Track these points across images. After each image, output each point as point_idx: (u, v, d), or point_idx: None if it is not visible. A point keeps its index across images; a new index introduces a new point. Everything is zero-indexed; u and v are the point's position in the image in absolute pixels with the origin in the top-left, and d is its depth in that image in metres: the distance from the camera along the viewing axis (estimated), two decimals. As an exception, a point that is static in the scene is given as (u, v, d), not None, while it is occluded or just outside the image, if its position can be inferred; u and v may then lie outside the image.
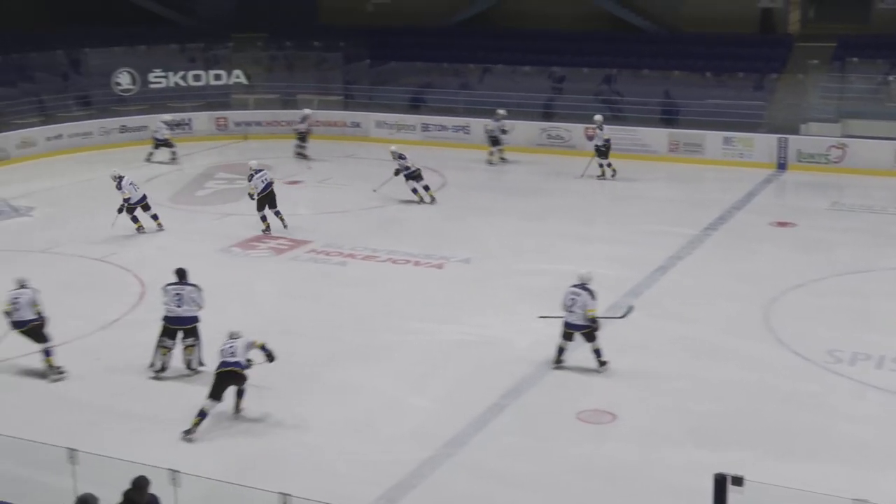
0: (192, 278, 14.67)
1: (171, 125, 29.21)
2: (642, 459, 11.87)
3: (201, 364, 14.23)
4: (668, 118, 29.45)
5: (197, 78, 33.23)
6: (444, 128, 30.57)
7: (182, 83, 33.10)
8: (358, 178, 26.05)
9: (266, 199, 21.21)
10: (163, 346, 14.19)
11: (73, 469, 9.39)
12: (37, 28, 35.25)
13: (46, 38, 33.88)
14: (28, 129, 29.63)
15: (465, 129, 30.09)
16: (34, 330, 14.24)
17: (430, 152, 28.92)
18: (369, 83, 33.65)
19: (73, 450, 9.39)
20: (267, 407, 13.17)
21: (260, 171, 21.44)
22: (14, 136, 28.94)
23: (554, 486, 11.39)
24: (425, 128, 30.71)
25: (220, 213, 22.99)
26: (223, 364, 12.59)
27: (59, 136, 29.93)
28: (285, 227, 21.18)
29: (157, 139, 28.46)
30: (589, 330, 14.05)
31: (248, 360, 12.74)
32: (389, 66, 33.85)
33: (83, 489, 8.59)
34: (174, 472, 8.37)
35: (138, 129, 31.02)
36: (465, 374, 14.35)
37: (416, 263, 19.16)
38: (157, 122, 28.86)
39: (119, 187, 21.16)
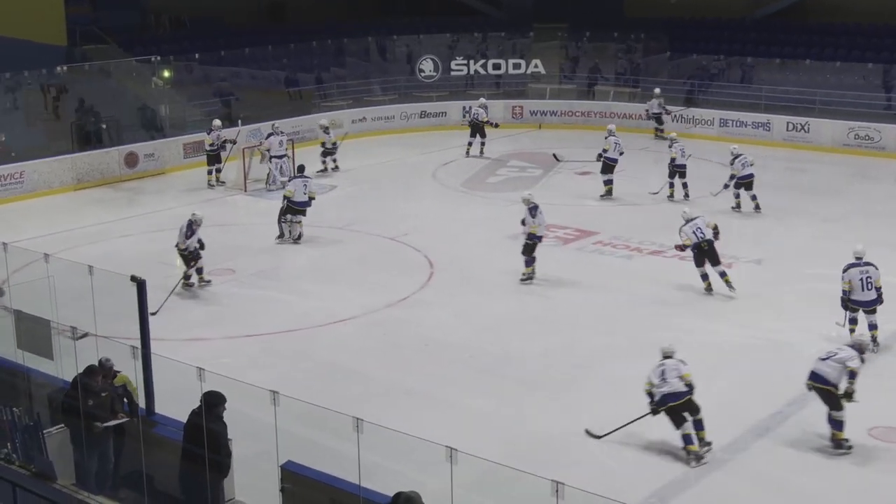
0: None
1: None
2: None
3: (301, 235, 20.06)
4: None
5: (496, 67, 33.86)
6: (742, 123, 29.64)
7: (482, 71, 33.84)
8: (650, 172, 25.72)
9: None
10: (287, 222, 19.99)
11: (357, 437, 9.82)
12: (358, 21, 37.26)
13: (359, 27, 35.70)
14: (336, 112, 31.24)
15: (765, 125, 29.04)
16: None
17: (726, 148, 28.10)
18: (668, 76, 33.14)
19: (359, 419, 9.83)
20: (542, 395, 13.30)
21: (693, 219, 17.25)
22: (323, 117, 30.55)
23: (838, 504, 10.90)
24: (723, 123, 29.88)
25: (511, 201, 23.26)
26: (673, 397, 11.63)
27: (363, 119, 31.41)
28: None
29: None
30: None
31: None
32: (690, 59, 33.19)
33: (366, 458, 8.96)
34: (452, 449, 8.57)
35: (437, 114, 32.13)
36: (748, 378, 13.87)
37: (705, 262, 18.70)
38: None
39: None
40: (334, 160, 26.46)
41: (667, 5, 35.72)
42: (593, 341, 15.11)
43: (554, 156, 24.82)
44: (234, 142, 24.78)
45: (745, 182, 21.82)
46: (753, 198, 21.90)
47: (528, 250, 17.64)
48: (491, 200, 23.52)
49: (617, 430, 12.03)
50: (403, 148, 29.11)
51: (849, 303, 14.58)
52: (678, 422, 11.61)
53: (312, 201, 20.12)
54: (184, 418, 9.77)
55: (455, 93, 33.22)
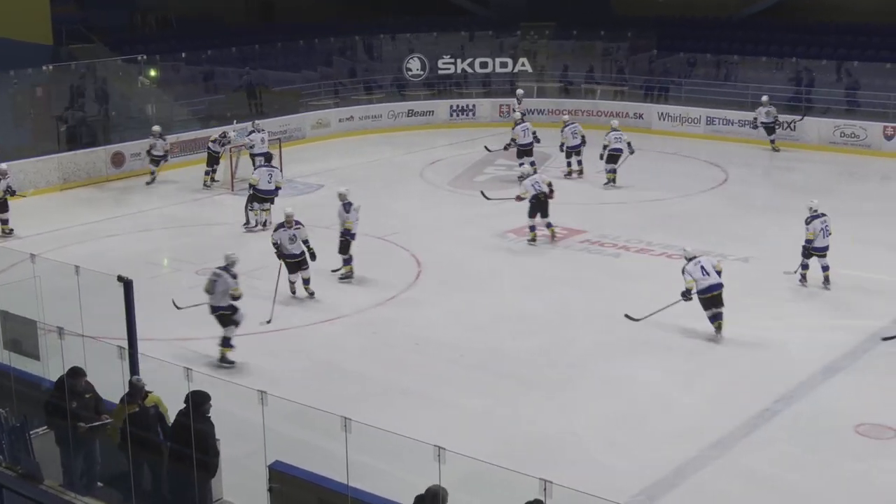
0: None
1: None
2: (926, 482, 11.13)
3: (269, 223, 19.92)
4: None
5: (483, 65, 33.82)
6: (729, 122, 29.67)
7: (469, 70, 33.80)
8: (637, 171, 25.70)
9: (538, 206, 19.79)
10: (253, 210, 20.40)
11: (345, 437, 9.80)
12: (346, 20, 37.18)
13: (346, 26, 35.62)
14: (323, 111, 31.21)
15: (752, 123, 29.08)
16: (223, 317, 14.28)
17: (713, 147, 28.22)
18: (655, 74, 33.16)
19: (347, 419, 9.80)
20: (537, 395, 13.29)
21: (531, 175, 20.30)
22: (310, 116, 30.58)
23: (829, 500, 10.90)
24: (710, 121, 29.92)
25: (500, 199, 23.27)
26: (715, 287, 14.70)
27: (350, 118, 31.34)
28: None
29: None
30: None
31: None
32: (677, 58, 33.22)
33: (353, 457, 8.93)
34: (440, 448, 8.56)
35: (424, 113, 32.10)
36: (737, 375, 13.90)
37: (692, 259, 18.70)
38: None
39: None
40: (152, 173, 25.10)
41: (655, 4, 35.77)
42: (587, 340, 15.11)
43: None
44: (229, 140, 24.69)
45: (615, 154, 23.78)
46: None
47: (344, 248, 17.66)
48: (478, 199, 23.45)
49: (655, 313, 14.86)
50: (391, 147, 29.09)
51: (810, 250, 16.82)
52: (709, 307, 14.66)
53: (279, 190, 20.66)
54: (171, 419, 9.73)
55: (442, 91, 33.22)
